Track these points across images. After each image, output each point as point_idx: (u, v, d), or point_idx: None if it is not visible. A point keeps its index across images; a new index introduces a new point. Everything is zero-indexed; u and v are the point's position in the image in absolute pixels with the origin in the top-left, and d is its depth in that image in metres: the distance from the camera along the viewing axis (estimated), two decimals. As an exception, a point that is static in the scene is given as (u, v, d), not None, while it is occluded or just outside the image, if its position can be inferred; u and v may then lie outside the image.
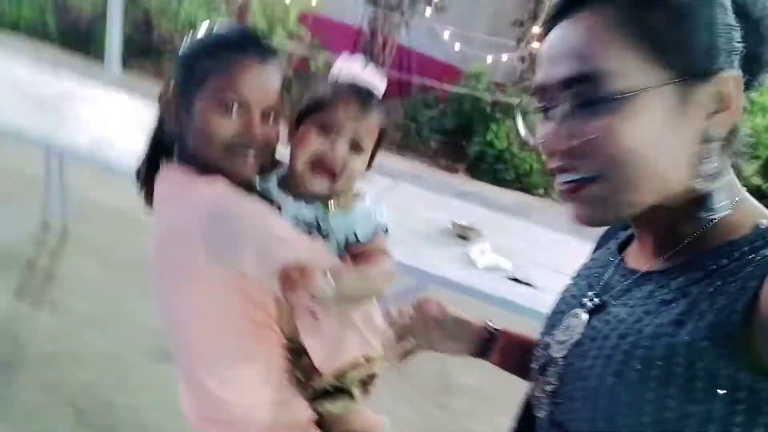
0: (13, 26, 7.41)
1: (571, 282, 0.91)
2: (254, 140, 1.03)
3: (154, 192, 1.11)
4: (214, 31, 1.07)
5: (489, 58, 5.65)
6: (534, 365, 0.85)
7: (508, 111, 5.65)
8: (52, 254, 3.46)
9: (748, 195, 0.71)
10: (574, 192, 0.70)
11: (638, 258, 0.78)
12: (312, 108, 1.08)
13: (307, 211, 1.09)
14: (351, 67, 1.11)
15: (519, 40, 5.97)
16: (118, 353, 2.82)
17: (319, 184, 1.07)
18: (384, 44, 6.43)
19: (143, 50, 7.18)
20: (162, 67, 7.01)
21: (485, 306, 2.14)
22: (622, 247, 0.85)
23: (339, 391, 1.17)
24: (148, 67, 7.04)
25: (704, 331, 0.61)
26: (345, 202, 1.10)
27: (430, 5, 6.03)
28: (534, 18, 6.01)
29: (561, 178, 0.70)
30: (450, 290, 2.23)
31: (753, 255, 0.64)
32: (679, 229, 0.71)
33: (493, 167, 5.59)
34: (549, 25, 0.71)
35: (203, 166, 1.03)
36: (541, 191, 5.69)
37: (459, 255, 2.41)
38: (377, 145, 1.12)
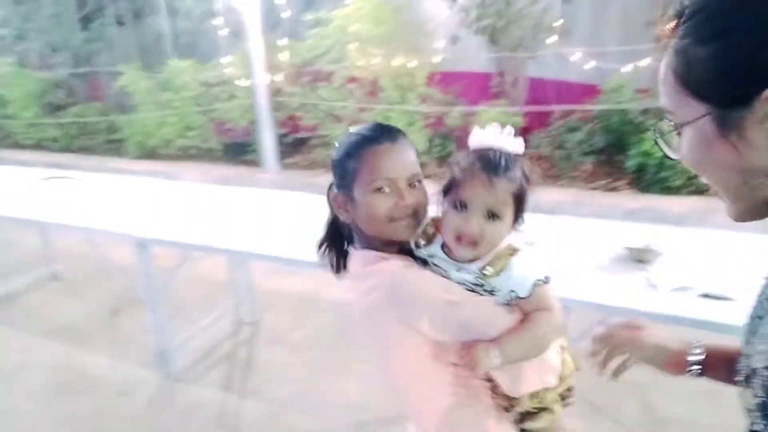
0: (182, 151, 8.42)
1: (766, 282, 0.87)
2: (408, 207, 1.24)
3: (340, 264, 1.39)
4: (350, 135, 1.31)
5: (628, 67, 5.37)
6: (738, 377, 0.84)
7: (661, 115, 5.28)
8: (248, 347, 3.76)
9: None
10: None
11: None
12: (448, 185, 1.20)
13: (468, 275, 1.20)
14: (482, 138, 1.20)
15: (656, 40, 5.63)
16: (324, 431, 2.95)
17: (463, 252, 1.19)
18: (514, 82, 6.40)
19: (294, 147, 7.77)
20: (312, 159, 7.52)
21: (682, 330, 1.97)
22: None
23: (540, 409, 1.27)
24: (300, 162, 7.59)
25: None
26: (500, 264, 1.19)
27: (553, 33, 5.93)
28: (665, 14, 5.66)
29: None
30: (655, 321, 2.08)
31: None
32: None
33: (658, 176, 5.20)
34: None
35: (377, 240, 1.28)
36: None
37: (640, 281, 2.25)
38: (520, 204, 1.19)
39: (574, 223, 2.97)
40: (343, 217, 1.33)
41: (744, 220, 0.80)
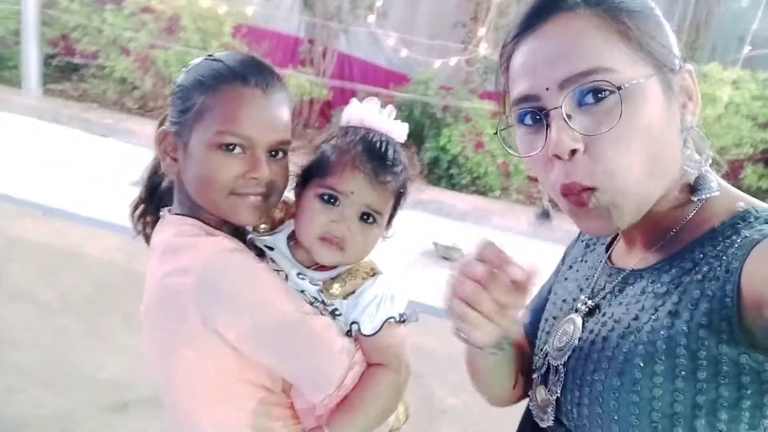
0: None
1: (560, 286, 0.91)
2: (261, 183, 0.94)
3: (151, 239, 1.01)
4: (210, 59, 0.97)
5: (436, 63, 5.52)
6: (534, 375, 0.84)
7: (459, 114, 5.53)
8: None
9: (723, 182, 0.74)
10: (585, 203, 0.69)
11: (626, 256, 0.80)
12: (316, 169, 0.96)
13: (309, 286, 0.98)
14: (362, 115, 0.98)
15: (464, 42, 5.88)
16: (68, 411, 2.49)
17: (326, 255, 0.95)
18: (324, 53, 6.22)
19: (63, 71, 6.71)
20: (85, 89, 6.56)
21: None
22: (608, 246, 0.86)
23: None
24: (69, 90, 6.58)
25: (700, 319, 0.63)
26: (351, 285, 0.97)
27: (370, 11, 5.86)
28: (475, 19, 5.94)
29: (570, 185, 0.70)
30: (444, 318, 2.06)
31: (735, 237, 0.66)
32: (665, 222, 0.74)
33: (448, 172, 5.46)
34: (517, 38, 0.73)
35: (204, 212, 0.96)
36: (498, 193, 5.61)
37: (446, 279, 2.26)
38: (397, 205, 1.00)
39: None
40: (166, 166, 0.99)
41: (613, 231, 0.75)
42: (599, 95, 0.68)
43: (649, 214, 0.72)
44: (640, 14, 0.70)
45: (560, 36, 0.70)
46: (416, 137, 5.79)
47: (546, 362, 0.82)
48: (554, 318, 0.86)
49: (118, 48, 6.20)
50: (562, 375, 0.77)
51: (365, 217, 0.94)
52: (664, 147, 0.70)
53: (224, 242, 0.93)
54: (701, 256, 0.68)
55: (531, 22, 0.72)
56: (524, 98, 0.72)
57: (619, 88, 0.66)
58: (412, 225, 2.71)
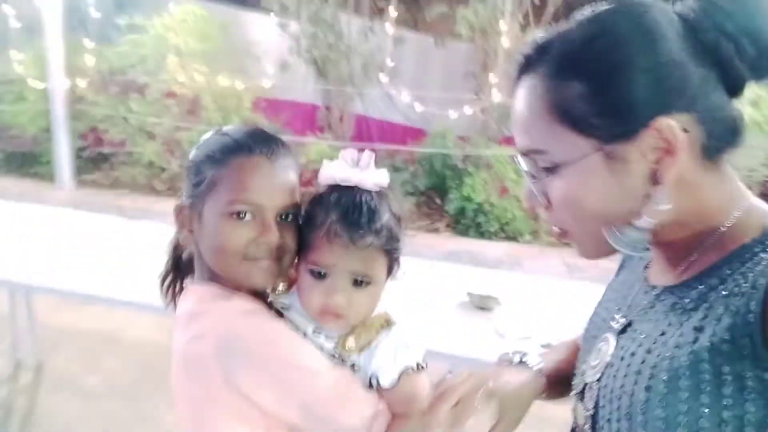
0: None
1: (601, 307, 0.93)
2: (271, 247, 0.96)
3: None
4: (218, 133, 1.02)
5: (453, 114, 5.58)
6: (573, 393, 0.87)
7: (479, 162, 5.55)
8: (28, 394, 3.14)
9: (756, 199, 0.74)
10: (563, 237, 0.79)
11: (659, 274, 0.81)
12: (301, 241, 0.98)
13: (326, 342, 0.99)
14: (332, 173, 0.97)
15: (476, 92, 5.95)
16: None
17: (331, 326, 0.97)
18: (341, 117, 6.35)
19: (94, 162, 6.95)
20: (115, 177, 6.78)
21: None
22: (647, 264, 0.87)
23: None
24: (101, 179, 6.80)
25: (723, 334, 0.63)
26: (365, 338, 0.98)
27: (382, 71, 6.00)
28: (485, 67, 6.02)
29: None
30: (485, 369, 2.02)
31: (763, 254, 0.66)
32: (693, 242, 0.73)
33: (475, 221, 5.44)
34: (514, 83, 0.77)
35: (221, 279, 0.99)
36: (527, 237, 5.55)
37: (484, 329, 2.23)
38: (393, 254, 0.98)
39: (414, 264, 2.91)
40: (184, 238, 1.04)
41: (596, 258, 0.81)
42: (538, 171, 0.75)
43: (674, 235, 0.75)
44: (587, 84, 0.69)
45: (517, 105, 0.76)
46: (439, 189, 5.82)
47: (582, 379, 0.85)
48: (593, 337, 0.87)
49: (144, 134, 6.42)
50: (596, 392, 0.79)
51: (357, 282, 0.94)
52: (610, 213, 0.73)
53: (240, 304, 0.96)
54: (729, 272, 0.68)
55: (513, 83, 0.78)
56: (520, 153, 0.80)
57: (549, 168, 0.73)
58: (445, 277, 2.71)
